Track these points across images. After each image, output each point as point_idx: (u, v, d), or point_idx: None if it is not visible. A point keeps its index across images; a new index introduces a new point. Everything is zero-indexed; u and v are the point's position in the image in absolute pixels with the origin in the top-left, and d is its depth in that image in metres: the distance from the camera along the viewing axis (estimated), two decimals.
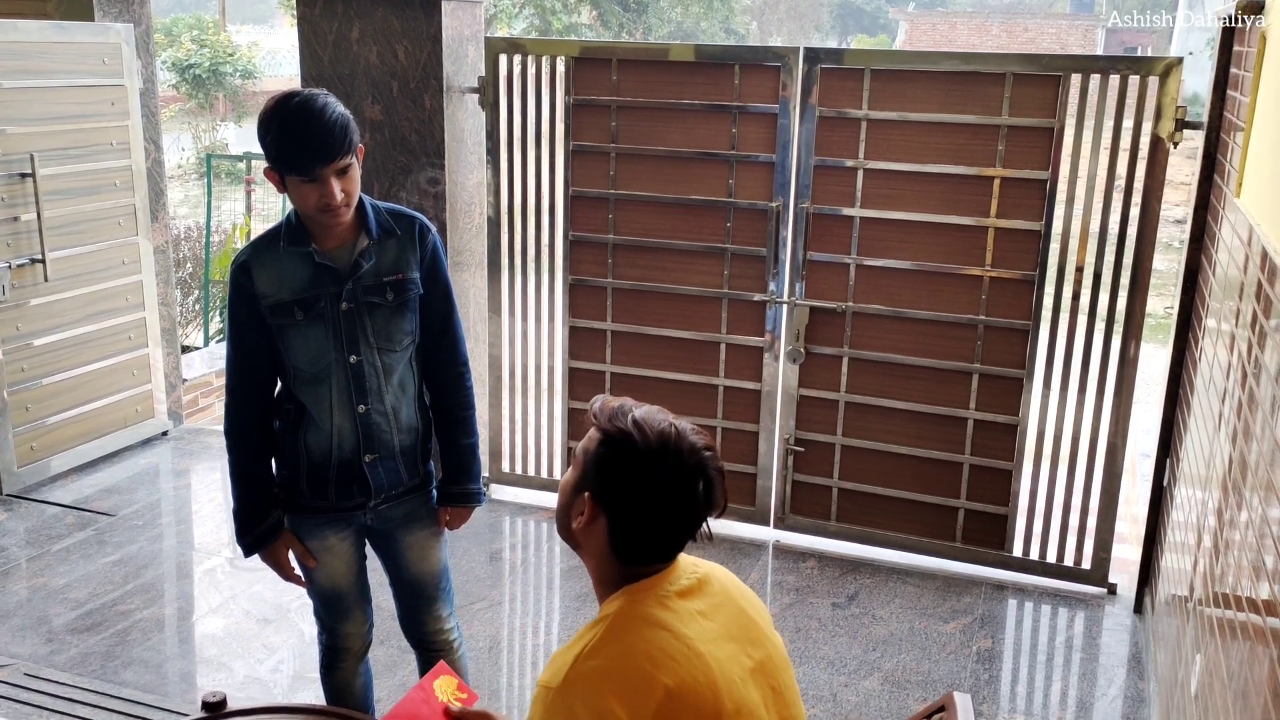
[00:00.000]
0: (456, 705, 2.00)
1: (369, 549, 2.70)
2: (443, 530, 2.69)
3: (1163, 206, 3.83)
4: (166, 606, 3.94)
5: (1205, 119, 3.58)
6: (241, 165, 9.30)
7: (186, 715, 2.27)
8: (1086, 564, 4.15)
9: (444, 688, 2.00)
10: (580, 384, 4.69)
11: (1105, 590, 4.13)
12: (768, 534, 4.54)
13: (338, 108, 2.27)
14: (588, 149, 4.46)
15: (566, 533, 1.76)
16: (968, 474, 4.20)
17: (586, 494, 1.69)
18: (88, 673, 3.50)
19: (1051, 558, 4.20)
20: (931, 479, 4.26)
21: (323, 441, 2.47)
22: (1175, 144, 3.74)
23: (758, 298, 4.34)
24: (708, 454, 1.68)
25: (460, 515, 2.69)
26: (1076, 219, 3.91)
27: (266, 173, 2.31)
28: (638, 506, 1.66)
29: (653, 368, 4.56)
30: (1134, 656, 3.73)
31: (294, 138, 2.22)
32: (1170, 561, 3.45)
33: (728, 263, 4.35)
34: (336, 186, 2.27)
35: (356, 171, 2.32)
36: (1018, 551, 4.22)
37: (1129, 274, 3.90)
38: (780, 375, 4.38)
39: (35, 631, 3.73)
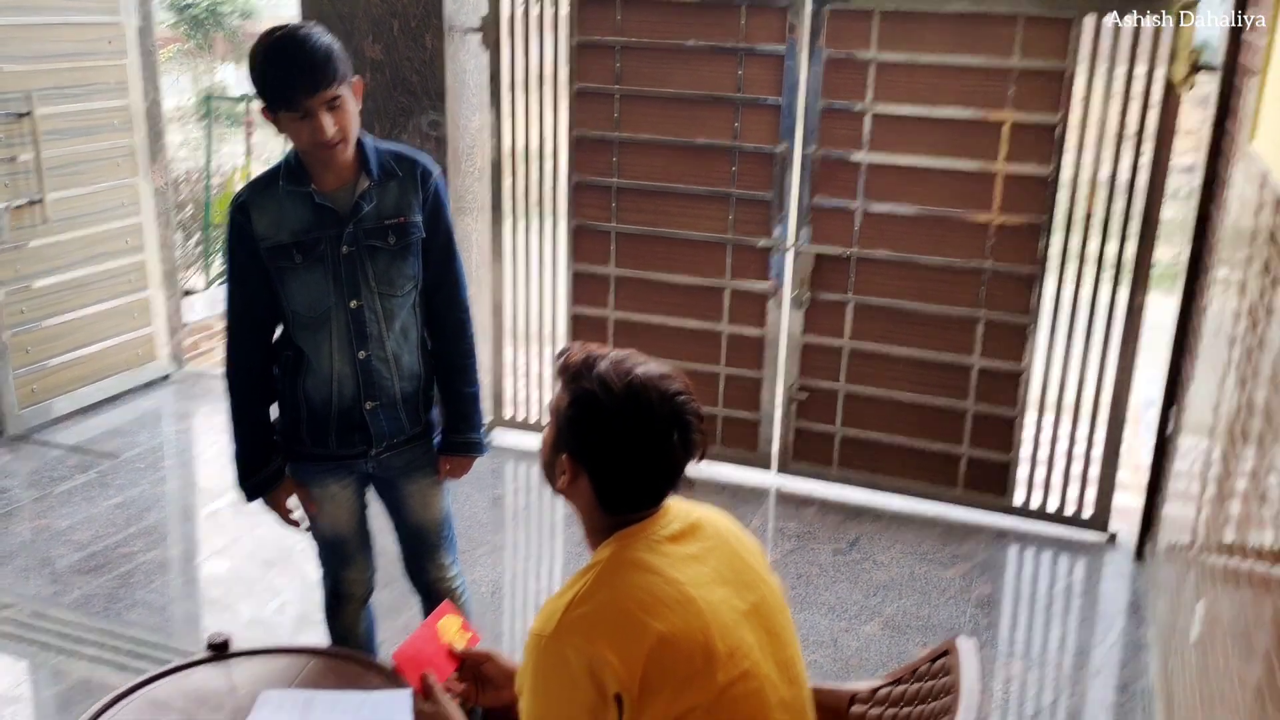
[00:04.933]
0: (460, 645, 2.01)
1: (372, 495, 2.69)
2: (445, 479, 2.67)
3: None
4: (170, 549, 3.96)
5: (1220, 62, 3.51)
6: (241, 107, 9.20)
7: (191, 655, 2.28)
8: (1088, 512, 4.16)
9: (448, 627, 2.01)
10: (583, 330, 4.66)
11: (1106, 538, 4.14)
12: (770, 480, 4.54)
13: (323, 37, 2.21)
14: (591, 91, 4.39)
15: (554, 485, 1.76)
16: (971, 421, 4.19)
17: (565, 455, 1.68)
18: (92, 614, 3.52)
19: (1053, 505, 4.20)
20: (934, 426, 4.25)
21: (322, 388, 2.44)
22: (1191, 87, 3.67)
23: (762, 243, 4.30)
24: (680, 399, 1.66)
25: (461, 465, 2.65)
26: (1086, 165, 3.86)
27: (262, 112, 2.27)
28: (616, 462, 1.65)
29: (656, 313, 4.53)
30: (1133, 603, 3.75)
31: (278, 70, 2.18)
32: (1173, 509, 3.45)
33: (732, 207, 4.31)
34: (328, 120, 2.21)
35: (351, 105, 2.26)
36: (1019, 499, 4.23)
37: (1138, 222, 3.85)
38: (784, 321, 4.35)
39: (39, 573, 3.75)
